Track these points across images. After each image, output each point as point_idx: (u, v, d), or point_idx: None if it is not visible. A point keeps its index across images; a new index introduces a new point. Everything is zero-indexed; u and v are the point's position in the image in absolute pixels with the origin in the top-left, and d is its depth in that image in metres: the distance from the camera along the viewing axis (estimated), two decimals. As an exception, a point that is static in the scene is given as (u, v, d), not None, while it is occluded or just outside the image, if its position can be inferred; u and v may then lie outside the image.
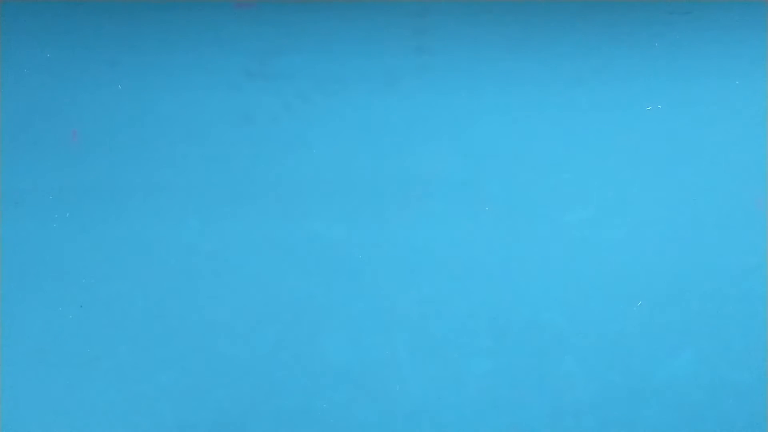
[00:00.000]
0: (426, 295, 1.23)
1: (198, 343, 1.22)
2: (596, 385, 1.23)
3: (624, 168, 1.24)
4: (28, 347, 1.21)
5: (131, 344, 1.22)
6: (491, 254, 1.23)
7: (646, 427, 1.23)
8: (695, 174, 1.24)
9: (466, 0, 1.24)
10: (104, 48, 1.23)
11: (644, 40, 1.24)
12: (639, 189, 1.24)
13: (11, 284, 1.22)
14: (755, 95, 1.24)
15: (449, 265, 1.23)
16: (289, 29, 1.24)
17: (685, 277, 1.23)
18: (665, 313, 1.23)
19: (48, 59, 1.23)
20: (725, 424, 1.23)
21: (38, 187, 1.22)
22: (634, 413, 1.23)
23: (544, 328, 1.23)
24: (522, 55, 1.24)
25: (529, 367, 1.23)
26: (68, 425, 1.21)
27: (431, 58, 1.24)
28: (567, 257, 1.23)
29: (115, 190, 1.23)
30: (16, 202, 1.22)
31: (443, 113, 1.24)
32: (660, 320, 1.23)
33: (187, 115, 1.23)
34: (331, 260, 1.23)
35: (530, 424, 1.23)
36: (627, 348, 1.23)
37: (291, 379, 1.22)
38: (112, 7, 1.23)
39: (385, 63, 1.24)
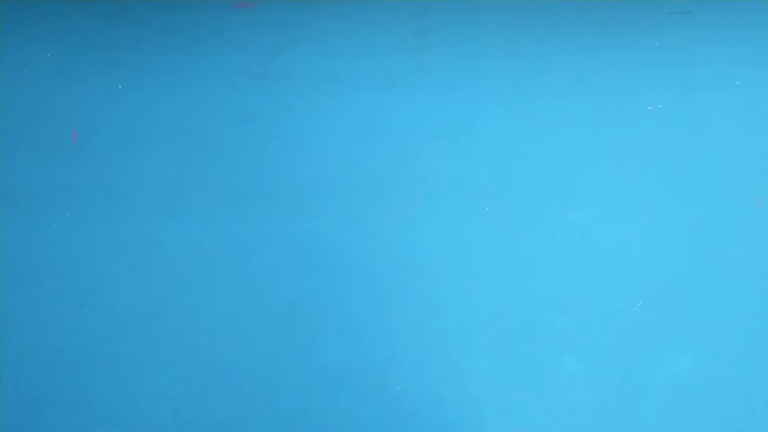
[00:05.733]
0: (426, 295, 1.23)
1: (198, 343, 1.22)
2: (596, 385, 1.23)
3: (624, 168, 1.24)
4: (28, 347, 1.21)
5: (131, 344, 1.22)
6: (491, 254, 1.23)
7: (646, 427, 1.23)
8: (695, 174, 1.24)
9: (466, 0, 1.24)
10: (104, 48, 1.23)
11: (644, 40, 1.24)
12: (639, 189, 1.24)
13: (11, 284, 1.22)
14: (756, 95, 1.24)
15: (449, 265, 1.23)
16: (289, 29, 1.24)
17: (685, 277, 1.23)
18: (665, 313, 1.23)
19: (48, 59, 1.23)
20: (726, 424, 1.23)
21: (38, 187, 1.22)
22: (634, 413, 1.23)
23: (544, 328, 1.23)
24: (522, 55, 1.24)
25: (529, 367, 1.23)
26: (68, 425, 1.21)
27: (431, 58, 1.24)
28: (567, 257, 1.23)
29: (115, 190, 1.23)
30: (16, 202, 1.22)
31: (443, 113, 1.24)
32: (660, 320, 1.23)
33: (187, 115, 1.23)
34: (331, 260, 1.23)
35: (530, 424, 1.23)
36: (627, 348, 1.23)
37: (291, 379, 1.22)
38: (112, 7, 1.23)
39: (385, 63, 1.24)
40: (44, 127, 1.23)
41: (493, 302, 1.23)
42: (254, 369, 1.22)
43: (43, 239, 1.22)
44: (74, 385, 1.21)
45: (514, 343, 1.23)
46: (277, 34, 1.24)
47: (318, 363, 1.22)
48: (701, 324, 1.23)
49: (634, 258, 1.24)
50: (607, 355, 1.23)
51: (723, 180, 1.24)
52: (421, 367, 1.23)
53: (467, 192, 1.24)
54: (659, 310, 1.24)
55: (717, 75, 1.25)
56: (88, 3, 1.23)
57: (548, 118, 1.24)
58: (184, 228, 1.23)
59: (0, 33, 1.23)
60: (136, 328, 1.22)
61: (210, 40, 1.24)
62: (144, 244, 1.22)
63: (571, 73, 1.24)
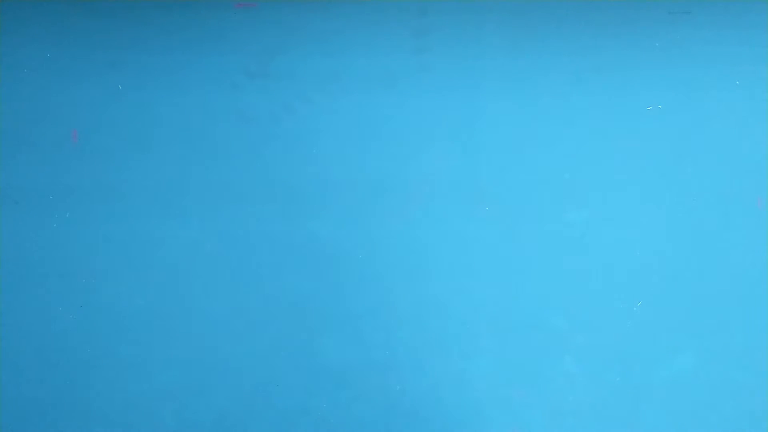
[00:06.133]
0: (426, 295, 1.23)
1: (198, 343, 1.22)
2: (596, 385, 1.23)
3: (624, 168, 1.24)
4: (28, 347, 1.21)
5: (131, 344, 1.22)
6: (491, 254, 1.23)
7: (646, 427, 1.23)
8: (695, 174, 1.24)
9: (466, 0, 1.24)
10: (104, 48, 1.23)
11: (644, 40, 1.24)
12: (639, 189, 1.24)
13: (11, 284, 1.22)
14: (756, 95, 1.24)
15: (449, 265, 1.23)
16: (289, 29, 1.24)
17: (685, 277, 1.23)
18: (665, 313, 1.23)
19: (48, 59, 1.23)
20: (726, 424, 1.23)
21: (38, 187, 1.22)
22: (634, 413, 1.23)
23: (544, 328, 1.23)
24: (522, 55, 1.24)
25: (529, 367, 1.23)
26: (68, 425, 1.21)
27: (431, 58, 1.24)
28: (567, 257, 1.23)
29: (115, 190, 1.23)
30: (16, 202, 1.22)
31: (443, 113, 1.24)
32: (660, 320, 1.23)
33: (187, 115, 1.23)
34: (331, 260, 1.23)
35: (530, 424, 1.23)
36: (627, 348, 1.23)
37: (291, 379, 1.22)
38: (112, 7, 1.23)
39: (385, 63, 1.24)
40: (44, 127, 1.23)
41: (493, 302, 1.23)
42: (254, 369, 1.22)
43: (43, 239, 1.22)
44: (74, 385, 1.21)
45: (514, 343, 1.23)
46: (277, 34, 1.24)
47: (318, 363, 1.22)
48: (701, 324, 1.23)
49: (634, 258, 1.24)
50: (607, 355, 1.23)
51: (723, 180, 1.24)
52: (421, 367, 1.23)
53: (467, 192, 1.24)
54: (659, 310, 1.24)
55: (717, 75, 1.25)
56: (88, 3, 1.23)
57: (548, 118, 1.24)
58: (184, 228, 1.23)
59: (0, 33, 1.23)
60: (136, 328, 1.22)
61: (210, 40, 1.24)
62: (144, 244, 1.22)
63: (571, 73, 1.24)
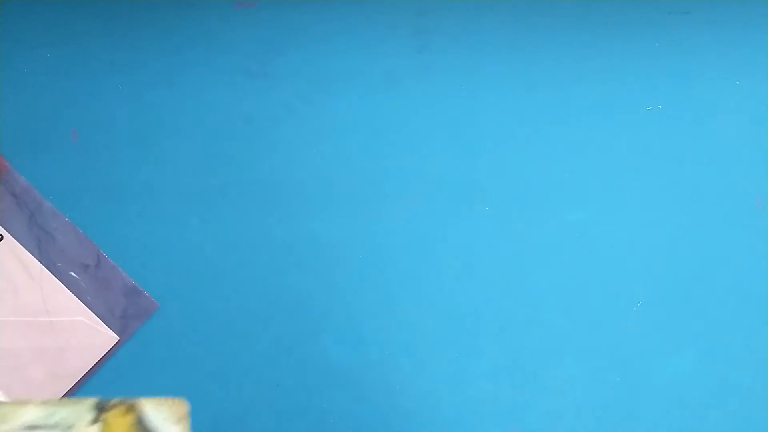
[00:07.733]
0: (426, 295, 1.23)
1: (198, 343, 1.22)
2: (596, 385, 1.23)
3: (624, 168, 1.24)
4: (28, 347, 1.21)
5: (131, 344, 1.22)
6: (491, 254, 1.23)
7: (646, 427, 1.23)
8: (695, 174, 1.24)
9: (466, 0, 1.24)
10: (104, 48, 1.23)
11: (644, 40, 1.24)
12: (639, 189, 1.24)
13: (11, 284, 1.21)
14: (756, 95, 1.24)
15: (449, 265, 1.23)
16: (289, 29, 1.24)
17: (685, 277, 1.23)
18: (665, 313, 1.23)
19: (48, 59, 1.23)
20: (726, 424, 1.23)
21: (38, 187, 1.22)
22: (634, 413, 1.23)
23: (544, 328, 1.23)
24: (522, 55, 1.24)
25: (529, 367, 1.23)
26: (68, 425, 1.21)
27: (431, 58, 1.24)
28: (567, 257, 1.23)
29: (115, 190, 1.23)
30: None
31: (443, 113, 1.24)
32: (660, 320, 1.23)
33: (187, 115, 1.23)
34: (331, 260, 1.23)
35: (530, 424, 1.23)
36: (627, 348, 1.23)
37: (291, 379, 1.22)
38: (112, 7, 1.23)
39: (385, 63, 1.24)
40: (44, 127, 1.23)
41: (493, 302, 1.23)
42: (254, 369, 1.22)
43: (43, 239, 1.22)
44: (74, 385, 1.21)
45: (514, 343, 1.23)
46: (277, 34, 1.24)
47: (317, 363, 1.22)
48: (701, 324, 1.23)
49: (634, 258, 1.24)
50: (607, 355, 1.23)
51: (723, 180, 1.24)
52: (421, 367, 1.23)
53: (467, 192, 1.24)
54: (659, 310, 1.24)
55: (717, 75, 1.25)
56: (88, 3, 1.23)
57: (548, 118, 1.24)
58: (183, 228, 1.23)
59: (0, 33, 1.23)
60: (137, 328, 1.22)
61: (210, 40, 1.24)
62: (143, 244, 1.22)
63: (571, 72, 1.24)
